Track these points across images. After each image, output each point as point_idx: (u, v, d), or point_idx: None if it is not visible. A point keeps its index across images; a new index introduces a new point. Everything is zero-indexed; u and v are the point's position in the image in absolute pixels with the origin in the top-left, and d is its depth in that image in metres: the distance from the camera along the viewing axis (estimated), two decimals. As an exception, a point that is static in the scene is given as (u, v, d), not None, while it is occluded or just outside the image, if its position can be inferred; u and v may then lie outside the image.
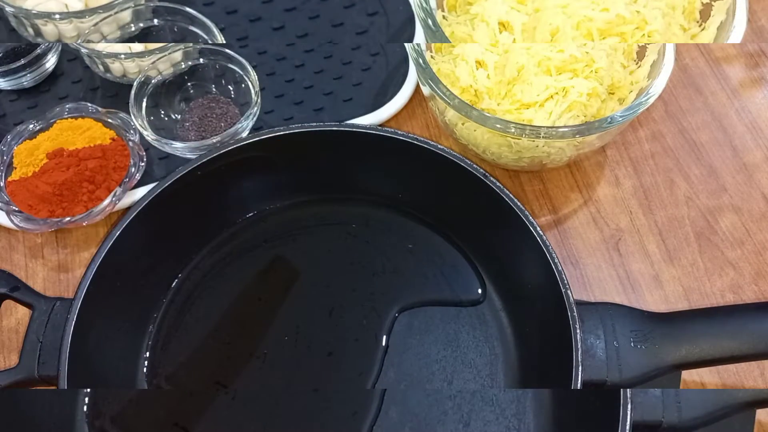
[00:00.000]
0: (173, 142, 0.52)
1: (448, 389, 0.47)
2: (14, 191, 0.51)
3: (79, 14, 0.54)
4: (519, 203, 0.46)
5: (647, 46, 0.51)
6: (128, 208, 0.49)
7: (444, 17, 0.55)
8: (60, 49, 0.58)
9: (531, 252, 0.45)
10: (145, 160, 0.53)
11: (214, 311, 0.50)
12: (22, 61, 0.56)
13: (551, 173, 0.57)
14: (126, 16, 0.57)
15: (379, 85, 0.58)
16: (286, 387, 0.47)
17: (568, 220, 0.55)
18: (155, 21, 0.58)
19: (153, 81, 0.55)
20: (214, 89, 0.58)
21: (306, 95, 0.58)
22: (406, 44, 0.59)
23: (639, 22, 0.50)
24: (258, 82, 0.54)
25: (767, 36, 0.63)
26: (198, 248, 0.52)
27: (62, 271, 0.53)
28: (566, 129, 0.46)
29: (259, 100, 0.54)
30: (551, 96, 0.49)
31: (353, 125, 0.51)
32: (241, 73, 0.56)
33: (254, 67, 0.55)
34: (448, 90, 0.48)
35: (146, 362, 0.48)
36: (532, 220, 0.45)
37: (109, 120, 0.54)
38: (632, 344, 0.42)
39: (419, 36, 0.60)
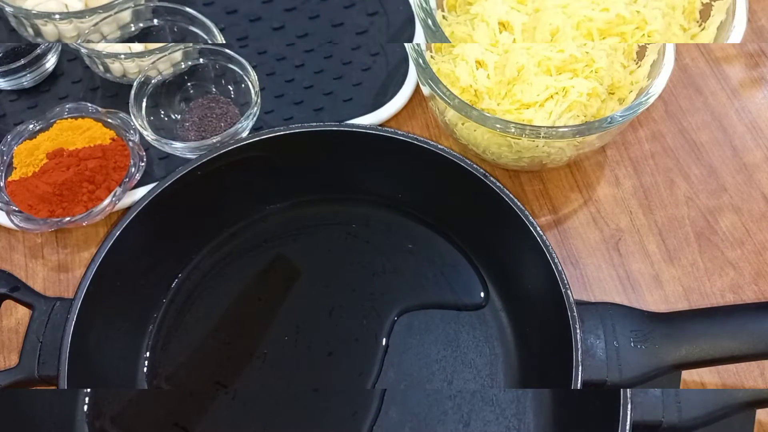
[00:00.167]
0: (173, 142, 0.52)
1: (448, 389, 0.47)
2: (14, 191, 0.51)
3: (79, 14, 0.54)
4: (519, 203, 0.46)
5: (647, 46, 0.51)
6: (128, 208, 0.49)
7: (444, 17, 0.55)
8: (60, 49, 0.58)
9: (531, 252, 0.45)
10: (145, 160, 0.53)
11: (214, 311, 0.50)
12: (22, 61, 0.56)
13: (551, 173, 0.57)
14: (126, 16, 0.57)
15: (379, 85, 0.58)
16: (286, 387, 0.47)
17: (568, 220, 0.55)
18: (155, 21, 0.58)
19: (153, 81, 0.55)
20: (214, 89, 0.58)
21: (306, 95, 0.58)
22: (406, 44, 0.59)
23: (639, 22, 0.50)
24: (258, 82, 0.54)
25: (767, 36, 0.63)
26: (198, 248, 0.52)
27: (62, 271, 0.53)
28: (566, 129, 0.46)
29: (259, 100, 0.54)
30: (551, 96, 0.49)
31: (353, 125, 0.51)
32: (241, 73, 0.55)
33: (254, 67, 0.55)
34: (448, 90, 0.48)
35: (146, 362, 0.48)
36: (532, 220, 0.45)
37: (109, 120, 0.54)
38: (632, 344, 0.42)
39: (419, 36, 0.60)
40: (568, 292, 0.43)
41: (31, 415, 0.43)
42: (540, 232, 0.45)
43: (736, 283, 0.53)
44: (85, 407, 0.44)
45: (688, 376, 0.48)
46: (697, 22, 0.53)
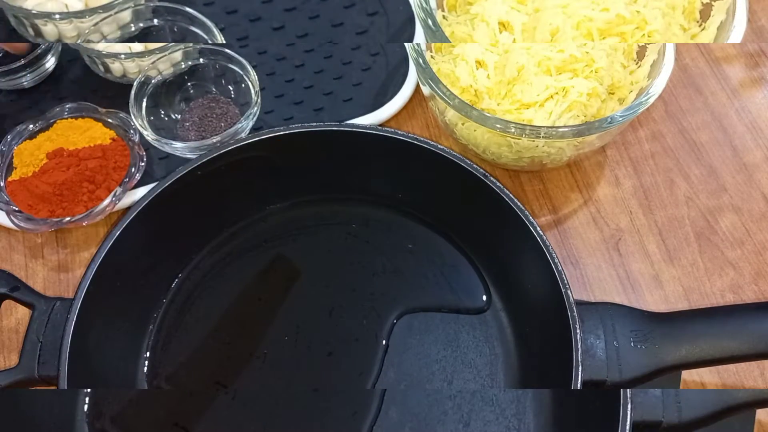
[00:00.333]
0: (173, 142, 0.52)
1: (448, 389, 0.47)
2: (14, 191, 0.51)
3: (79, 14, 0.54)
4: (519, 203, 0.46)
5: (647, 46, 0.51)
6: (128, 208, 0.49)
7: (444, 17, 0.55)
8: (60, 49, 0.58)
9: (531, 252, 0.45)
10: (145, 160, 0.53)
11: (214, 311, 0.50)
12: (22, 61, 0.56)
13: (551, 173, 0.57)
14: (126, 16, 0.57)
15: (379, 85, 0.58)
16: (286, 387, 0.47)
17: (568, 220, 0.55)
18: (155, 21, 0.58)
19: (153, 81, 0.55)
20: (214, 89, 0.58)
21: (306, 95, 0.58)
22: (406, 44, 0.59)
23: (639, 22, 0.50)
24: (258, 82, 0.54)
25: (767, 36, 0.63)
26: (198, 248, 0.52)
27: (62, 271, 0.53)
28: (566, 129, 0.46)
29: (259, 100, 0.54)
30: (551, 96, 0.49)
31: (353, 125, 0.51)
32: (241, 73, 0.55)
33: (254, 67, 0.55)
34: (448, 90, 0.48)
35: (146, 362, 0.48)
36: (532, 220, 0.45)
37: (109, 120, 0.54)
38: (632, 344, 0.42)
39: (419, 36, 0.60)
40: (568, 292, 0.43)
41: (31, 415, 0.43)
42: (540, 232, 0.45)
43: (736, 283, 0.53)
44: (85, 407, 0.44)
45: (688, 376, 0.48)
46: (697, 22, 0.53)
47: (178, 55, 0.56)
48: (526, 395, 0.46)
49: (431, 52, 0.54)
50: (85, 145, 0.52)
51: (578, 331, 0.42)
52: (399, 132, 0.49)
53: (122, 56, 0.54)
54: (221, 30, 0.58)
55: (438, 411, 0.46)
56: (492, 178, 0.47)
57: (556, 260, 0.44)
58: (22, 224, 0.50)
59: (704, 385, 0.49)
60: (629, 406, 0.39)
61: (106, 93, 0.58)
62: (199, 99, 0.57)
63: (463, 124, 0.51)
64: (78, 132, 0.53)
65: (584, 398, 0.42)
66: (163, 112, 0.56)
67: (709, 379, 0.49)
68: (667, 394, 0.41)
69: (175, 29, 0.58)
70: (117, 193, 0.51)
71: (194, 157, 0.50)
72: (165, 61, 0.55)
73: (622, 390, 0.40)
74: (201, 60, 0.56)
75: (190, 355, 0.48)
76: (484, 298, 0.50)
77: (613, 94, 0.51)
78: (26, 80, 0.57)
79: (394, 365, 0.48)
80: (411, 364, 0.48)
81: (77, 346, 0.43)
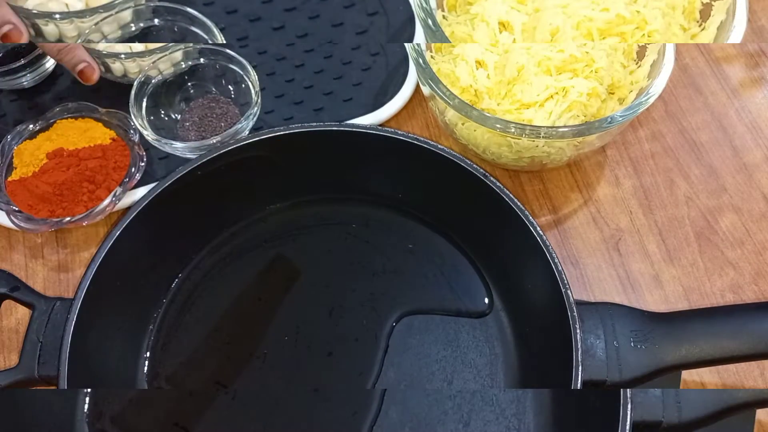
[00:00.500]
0: (173, 142, 0.52)
1: (448, 389, 0.47)
2: (14, 191, 0.51)
3: (80, 14, 0.54)
4: (519, 203, 0.46)
5: (647, 46, 0.51)
6: (128, 208, 0.49)
7: (444, 17, 0.55)
8: (60, 49, 0.58)
9: (531, 252, 0.45)
10: (145, 160, 0.53)
11: (214, 311, 0.50)
12: (22, 61, 0.56)
13: (551, 173, 0.57)
14: (126, 15, 0.57)
15: (379, 85, 0.58)
16: (286, 387, 0.47)
17: (568, 220, 0.55)
18: (155, 21, 0.58)
19: (153, 81, 0.55)
20: (214, 89, 0.58)
21: (306, 95, 0.58)
22: (406, 44, 0.59)
23: (639, 22, 0.50)
24: (258, 82, 0.54)
25: (767, 36, 0.63)
26: (198, 248, 0.52)
27: (62, 271, 0.53)
28: (566, 129, 0.46)
29: (259, 100, 0.54)
30: (551, 96, 0.49)
31: (353, 125, 0.51)
32: (241, 73, 0.55)
33: (254, 67, 0.55)
34: (448, 90, 0.48)
35: (146, 362, 0.48)
36: (532, 220, 0.45)
37: (109, 120, 0.54)
38: (632, 344, 0.42)
39: (419, 36, 0.60)
40: (568, 292, 0.43)
41: (31, 415, 0.43)
42: (540, 232, 0.45)
43: (736, 283, 0.53)
44: (85, 407, 0.44)
45: (688, 376, 0.48)
46: (697, 22, 0.53)
47: (178, 55, 0.56)
48: (526, 395, 0.46)
49: (431, 52, 0.54)
50: (85, 145, 0.52)
51: (578, 331, 0.42)
52: (399, 132, 0.49)
53: (122, 56, 0.54)
54: (221, 30, 0.58)
55: (438, 411, 0.46)
56: (492, 178, 0.47)
57: (556, 260, 0.44)
58: (22, 224, 0.50)
59: (704, 385, 0.49)
60: (629, 406, 0.40)
61: (106, 93, 0.58)
62: (199, 99, 0.57)
63: (463, 124, 0.51)
64: (78, 132, 0.53)
65: (584, 398, 0.42)
66: (163, 112, 0.56)
67: (709, 379, 0.49)
68: (667, 394, 0.41)
69: (176, 29, 0.58)
70: (117, 193, 0.51)
71: (194, 157, 0.50)
72: (165, 60, 0.55)
73: (622, 390, 0.40)
74: (201, 60, 0.56)
75: (190, 355, 0.48)
76: (486, 300, 0.50)
77: (613, 94, 0.51)
78: (26, 80, 0.57)
79: (394, 365, 0.48)
80: (411, 364, 0.48)
81: (77, 346, 0.43)
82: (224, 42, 0.57)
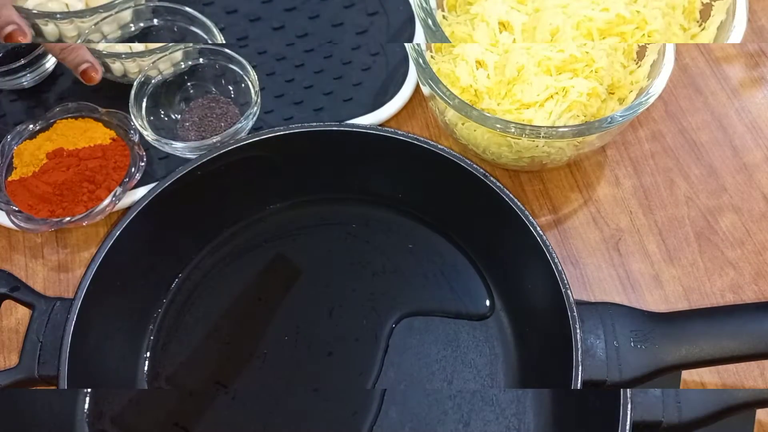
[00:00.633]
0: (173, 142, 0.52)
1: (448, 389, 0.47)
2: (14, 191, 0.51)
3: (80, 14, 0.54)
4: (519, 203, 0.46)
5: (647, 46, 0.51)
6: (128, 208, 0.49)
7: (444, 17, 0.55)
8: (60, 49, 0.58)
9: (531, 252, 0.45)
10: (145, 160, 0.53)
11: (214, 311, 0.50)
12: (22, 61, 0.56)
13: (551, 173, 0.57)
14: (126, 15, 0.57)
15: (379, 85, 0.58)
16: (286, 387, 0.47)
17: (568, 220, 0.55)
18: (155, 21, 0.58)
19: (153, 81, 0.55)
20: (214, 89, 0.58)
21: (306, 95, 0.58)
22: (406, 44, 0.59)
23: (639, 22, 0.50)
24: (258, 82, 0.54)
25: (767, 36, 0.63)
26: (198, 248, 0.52)
27: (62, 271, 0.53)
28: (566, 129, 0.46)
29: (258, 100, 0.54)
30: (551, 96, 0.49)
31: (353, 125, 0.51)
32: (241, 73, 0.55)
33: (254, 67, 0.55)
34: (448, 90, 0.48)
35: (146, 362, 0.48)
36: (532, 220, 0.45)
37: (109, 120, 0.54)
38: (632, 344, 0.42)
39: (419, 36, 0.60)
40: (568, 292, 0.43)
41: (31, 415, 0.43)
42: (540, 232, 0.45)
43: (736, 283, 0.53)
44: (85, 407, 0.44)
45: (688, 376, 0.48)
46: (697, 22, 0.53)
47: (178, 55, 0.56)
48: (526, 395, 0.46)
49: (431, 52, 0.54)
50: (85, 145, 0.52)
51: (578, 331, 0.42)
52: (399, 132, 0.49)
53: (123, 56, 0.54)
54: (221, 30, 0.58)
55: (438, 411, 0.46)
56: (492, 178, 0.47)
57: (556, 260, 0.44)
58: (22, 224, 0.50)
59: (704, 385, 0.49)
60: (629, 406, 0.40)
61: (106, 93, 0.58)
62: (199, 99, 0.57)
63: (463, 124, 0.51)
64: (78, 132, 0.53)
65: (584, 398, 0.42)
66: (163, 112, 0.56)
67: (709, 379, 0.49)
68: (667, 394, 0.41)
69: (175, 29, 0.58)
70: (117, 193, 0.51)
71: (194, 157, 0.50)
72: (165, 60, 0.55)
73: (622, 390, 0.40)
74: (201, 60, 0.56)
75: (190, 355, 0.48)
76: (488, 303, 0.50)
77: (613, 94, 0.51)
78: (26, 80, 0.57)
79: (394, 365, 0.48)
80: (411, 364, 0.48)
81: (77, 346, 0.43)
82: (224, 42, 0.57)
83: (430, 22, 0.50)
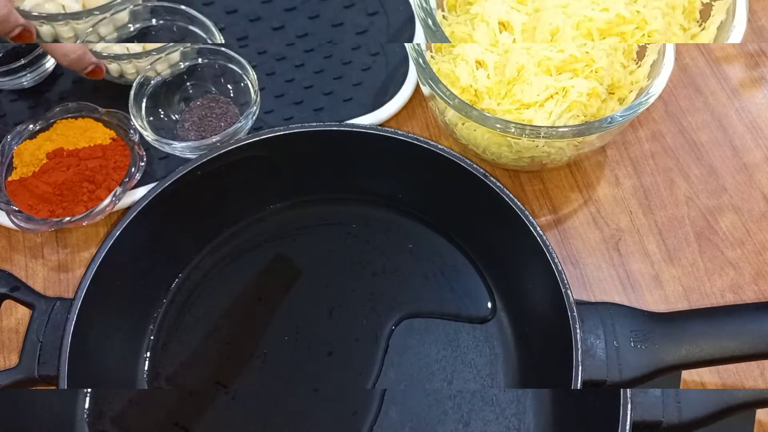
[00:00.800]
0: (173, 142, 0.52)
1: (448, 389, 0.47)
2: (14, 191, 0.51)
3: (76, 15, 0.54)
4: (519, 203, 0.46)
5: (647, 46, 0.51)
6: (128, 208, 0.49)
7: (444, 17, 0.55)
8: (60, 49, 0.58)
9: (531, 252, 0.45)
10: (145, 160, 0.53)
11: (214, 311, 0.50)
12: (22, 61, 0.56)
13: (551, 173, 0.57)
14: (124, 17, 0.57)
15: (379, 85, 0.58)
16: (286, 387, 0.47)
17: (568, 220, 0.55)
18: (153, 21, 0.58)
19: (152, 81, 0.55)
20: (213, 89, 0.58)
21: (306, 95, 0.58)
22: (406, 44, 0.59)
23: (639, 22, 0.50)
24: (257, 82, 0.54)
25: (767, 36, 0.63)
26: (198, 248, 0.52)
27: (62, 271, 0.53)
28: (566, 129, 0.46)
29: (258, 100, 0.54)
30: (551, 96, 0.49)
31: (353, 125, 0.51)
32: (240, 72, 0.55)
33: (254, 67, 0.55)
34: (448, 90, 0.48)
35: (146, 362, 0.48)
36: (532, 220, 0.45)
37: (109, 120, 0.54)
38: (632, 344, 0.42)
39: (419, 36, 0.60)
40: (568, 292, 0.43)
41: (31, 415, 0.43)
42: (540, 232, 0.45)
43: (736, 283, 0.53)
44: (85, 407, 0.44)
45: (688, 376, 0.48)
46: (697, 22, 0.53)
47: (176, 56, 0.56)
48: (526, 395, 0.46)
49: (431, 52, 0.54)
50: (85, 145, 0.52)
51: (578, 331, 0.42)
52: (399, 132, 0.49)
53: (122, 57, 0.54)
54: (221, 30, 0.58)
55: (438, 411, 0.46)
56: (492, 178, 0.47)
57: (556, 260, 0.44)
58: (22, 224, 0.50)
59: (704, 385, 0.49)
60: (629, 406, 0.39)
61: (106, 93, 0.58)
62: (198, 99, 0.57)
63: (463, 124, 0.51)
64: (78, 132, 0.53)
65: (584, 398, 0.42)
66: (162, 113, 0.56)
67: (709, 379, 0.49)
68: (667, 394, 0.41)
69: (175, 29, 0.58)
70: (117, 193, 0.51)
71: (194, 157, 0.50)
72: (162, 62, 0.55)
73: (622, 390, 0.40)
74: (200, 60, 0.56)
75: (190, 355, 0.48)
76: (489, 305, 0.49)
77: (613, 94, 0.51)
78: (26, 80, 0.57)
79: (394, 365, 0.48)
80: (411, 364, 0.48)
81: (77, 346, 0.43)
82: (223, 42, 0.57)
83: (430, 22, 0.50)
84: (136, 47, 0.56)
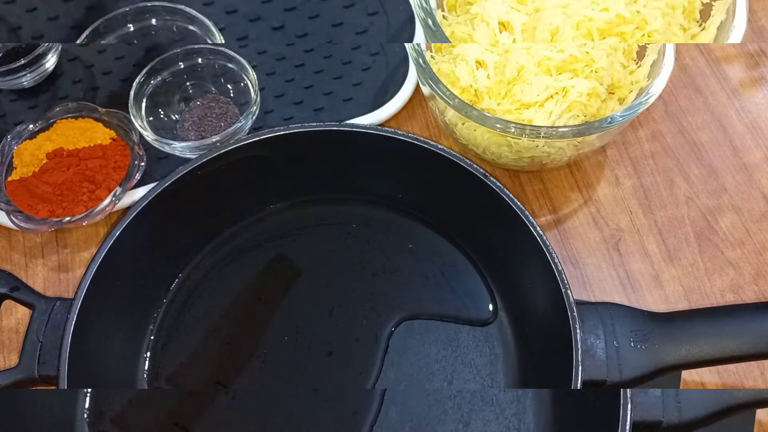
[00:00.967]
0: (173, 142, 0.52)
1: (448, 389, 0.47)
2: (14, 191, 0.51)
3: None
4: (519, 203, 0.46)
5: (647, 46, 0.51)
6: (128, 208, 0.49)
7: (444, 17, 0.55)
8: (60, 49, 0.58)
9: (531, 252, 0.45)
10: (145, 160, 0.53)
11: (214, 311, 0.50)
12: (22, 61, 0.56)
13: (551, 173, 0.57)
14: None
15: (379, 85, 0.58)
16: (286, 387, 0.47)
17: (568, 220, 0.55)
18: (153, 21, 0.58)
19: (152, 81, 0.55)
20: (213, 89, 0.58)
21: (306, 95, 0.58)
22: (406, 44, 0.59)
23: (639, 22, 0.50)
24: (257, 82, 0.54)
25: (767, 36, 0.63)
26: (198, 248, 0.52)
27: (62, 271, 0.53)
28: (566, 129, 0.46)
29: (258, 100, 0.54)
30: (551, 96, 0.49)
31: (353, 125, 0.51)
32: (240, 72, 0.55)
33: (254, 67, 0.55)
34: (448, 90, 0.48)
35: (146, 362, 0.48)
36: (532, 220, 0.45)
37: (109, 120, 0.54)
38: (632, 344, 0.42)
39: (419, 36, 0.60)
40: (568, 292, 0.43)
41: (31, 415, 0.43)
42: (540, 232, 0.45)
43: (736, 283, 0.53)
44: (85, 407, 0.44)
45: (688, 376, 0.48)
46: (697, 22, 0.53)
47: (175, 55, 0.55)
48: (526, 395, 0.46)
49: (431, 52, 0.54)
50: (85, 145, 0.52)
51: (578, 331, 0.42)
52: (399, 132, 0.49)
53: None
54: (221, 30, 0.58)
55: (438, 411, 0.46)
56: (492, 178, 0.47)
57: (556, 260, 0.44)
58: (22, 224, 0.50)
59: (704, 385, 0.49)
60: (629, 406, 0.39)
61: (106, 93, 0.58)
62: (198, 99, 0.57)
63: (463, 124, 0.51)
64: (78, 132, 0.53)
65: (584, 398, 0.42)
66: (162, 112, 0.56)
67: (709, 379, 0.49)
68: (667, 394, 0.41)
69: (174, 29, 0.58)
70: (117, 193, 0.51)
71: (194, 157, 0.50)
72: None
73: (622, 390, 0.40)
74: (200, 60, 0.56)
75: (190, 355, 0.48)
76: (490, 307, 0.49)
77: (613, 94, 0.51)
78: (26, 80, 0.57)
79: (394, 365, 0.48)
80: (411, 364, 0.48)
81: (77, 346, 0.43)
82: (223, 42, 0.57)
83: (430, 22, 0.50)
84: None
